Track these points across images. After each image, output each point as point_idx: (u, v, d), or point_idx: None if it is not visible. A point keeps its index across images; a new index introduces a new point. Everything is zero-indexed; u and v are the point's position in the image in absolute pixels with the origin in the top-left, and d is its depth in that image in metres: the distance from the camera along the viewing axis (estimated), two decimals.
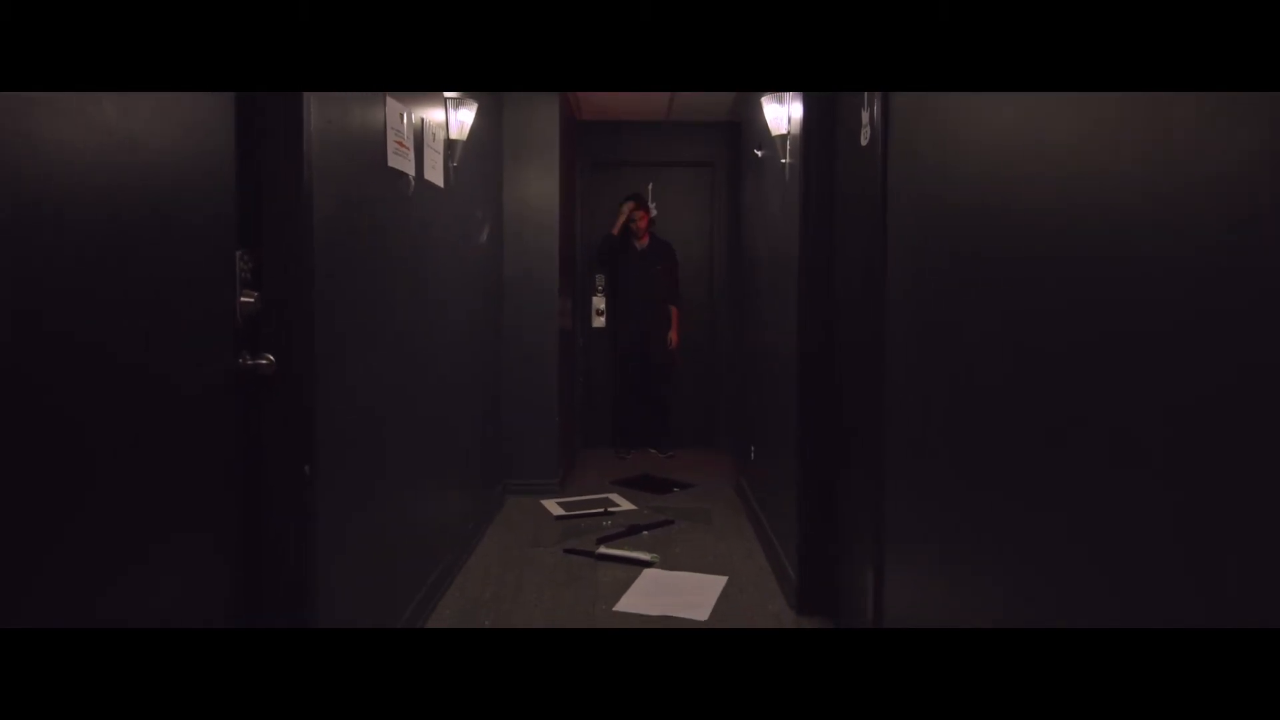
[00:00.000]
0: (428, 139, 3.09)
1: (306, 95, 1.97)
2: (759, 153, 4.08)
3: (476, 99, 3.60)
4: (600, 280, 6.12)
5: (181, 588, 1.61)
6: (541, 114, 4.83)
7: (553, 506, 4.57)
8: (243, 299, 1.86)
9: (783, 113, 3.34)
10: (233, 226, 1.83)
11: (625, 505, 4.61)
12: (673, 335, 5.83)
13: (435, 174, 3.19)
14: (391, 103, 2.66)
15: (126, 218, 1.43)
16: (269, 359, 1.90)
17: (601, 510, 4.47)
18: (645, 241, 5.79)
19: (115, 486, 1.39)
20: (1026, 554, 1.33)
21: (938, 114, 1.76)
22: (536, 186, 4.83)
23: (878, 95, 2.21)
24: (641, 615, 3.09)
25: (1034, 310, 1.30)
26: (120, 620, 1.40)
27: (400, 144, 2.76)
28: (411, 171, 2.88)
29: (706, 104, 5.64)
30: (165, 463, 1.55)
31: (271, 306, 1.93)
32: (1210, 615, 0.90)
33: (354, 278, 2.31)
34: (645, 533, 4.08)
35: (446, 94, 3.39)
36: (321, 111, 2.07)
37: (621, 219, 5.76)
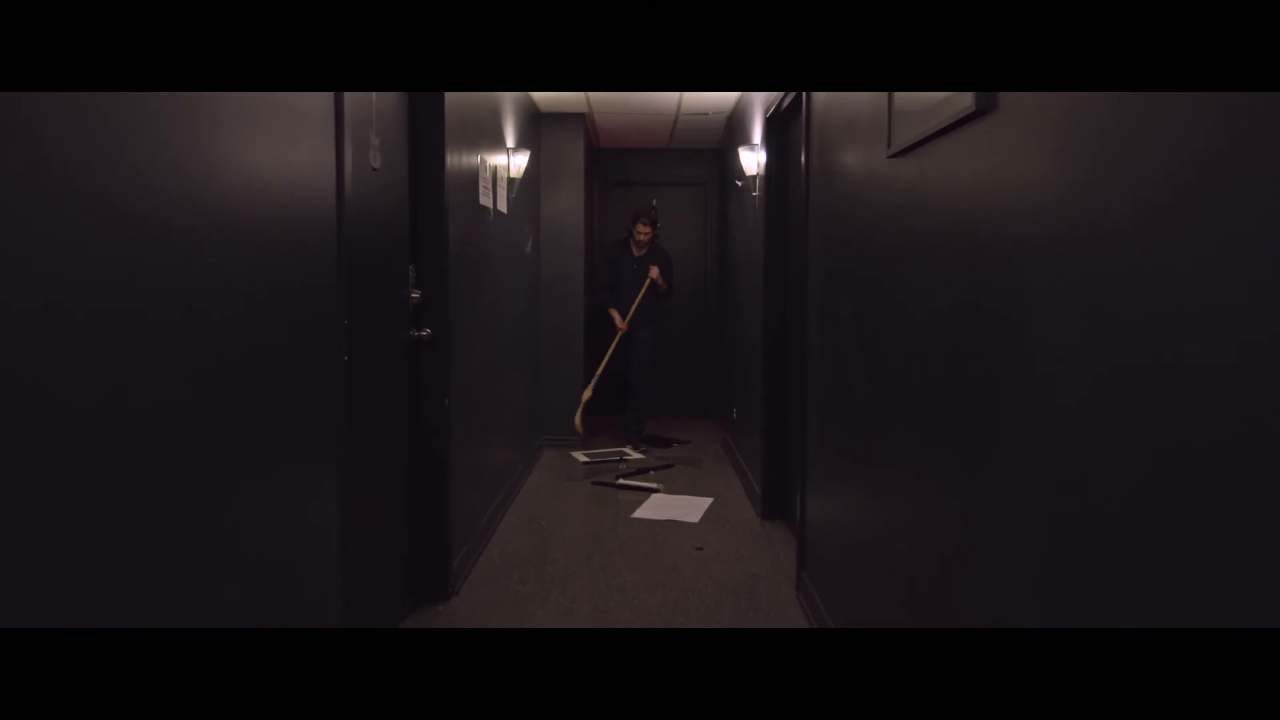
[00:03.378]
0: (498, 179, 4.15)
1: (449, 158, 3.03)
2: (739, 183, 5.14)
3: (528, 146, 4.65)
4: None
5: (392, 455, 2.68)
6: (569, 146, 5.88)
7: (579, 456, 5.63)
8: (412, 294, 2.92)
9: (753, 158, 4.40)
10: (408, 249, 2.89)
11: (635, 455, 5.67)
12: (659, 279, 6.03)
13: (502, 204, 4.24)
14: (482, 156, 3.72)
15: (378, 244, 2.49)
16: (427, 332, 2.96)
17: (618, 458, 5.54)
18: (642, 252, 6.02)
19: (373, 400, 2.46)
20: (871, 487, 2.38)
21: (832, 167, 2.80)
22: (566, 205, 5.89)
23: (803, 147, 3.25)
24: (651, 520, 4.16)
25: (870, 303, 2.35)
26: (378, 463, 2.47)
27: (485, 186, 3.81)
28: (491, 205, 3.94)
29: (700, 135, 6.68)
30: (387, 390, 2.61)
31: (426, 300, 3.00)
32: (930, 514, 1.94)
33: (462, 282, 3.37)
34: (652, 472, 5.16)
35: (509, 143, 4.44)
36: (450, 167, 3.12)
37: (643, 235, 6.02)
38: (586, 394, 5.79)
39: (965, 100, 1.46)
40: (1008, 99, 1.37)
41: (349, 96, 2.11)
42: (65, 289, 1.05)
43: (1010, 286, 1.36)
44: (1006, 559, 1.36)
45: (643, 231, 5.95)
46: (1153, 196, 0.98)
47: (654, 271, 5.95)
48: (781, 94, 3.71)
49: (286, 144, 1.72)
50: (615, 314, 6.00)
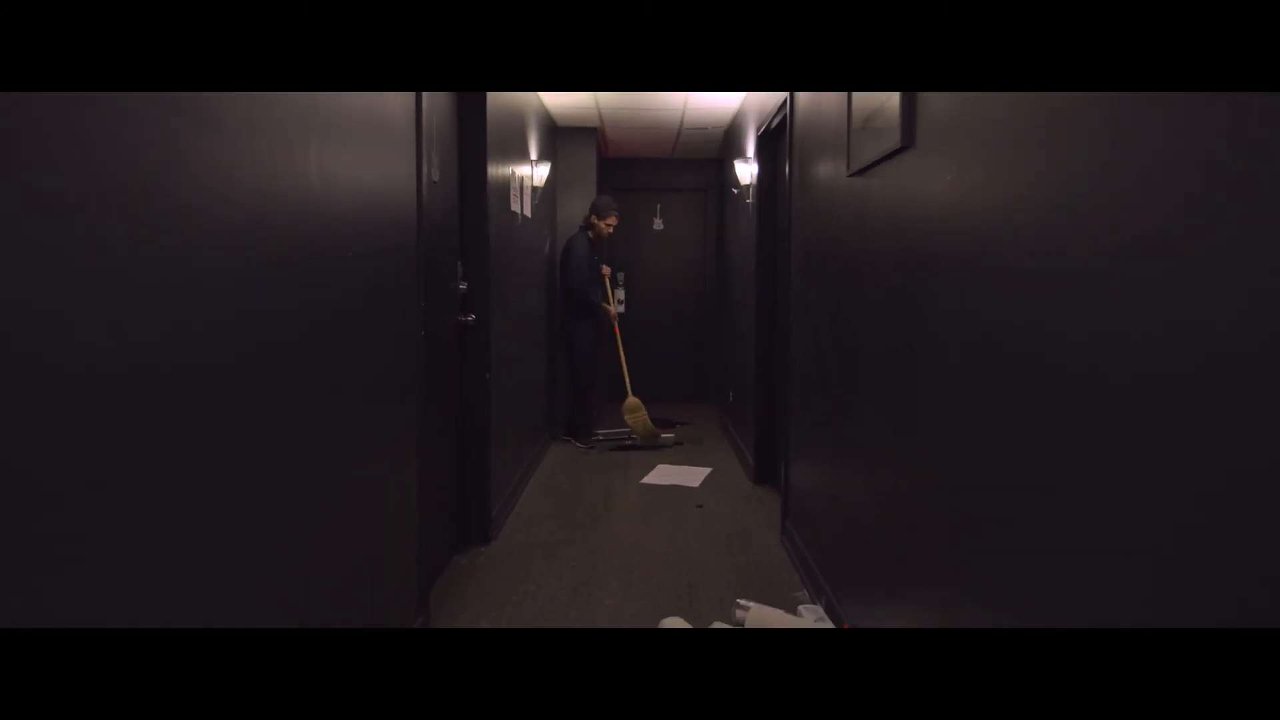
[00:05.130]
0: (524, 188, 4.64)
1: (489, 170, 3.52)
2: (734, 191, 5.63)
3: (548, 158, 5.14)
4: (621, 276, 7.67)
5: (445, 419, 3.17)
6: (583, 156, 6.38)
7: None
8: (460, 285, 3.42)
9: (747, 170, 4.90)
10: (457, 249, 3.39)
11: None
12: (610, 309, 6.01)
13: (527, 209, 4.74)
14: (512, 168, 4.21)
15: (437, 244, 2.99)
16: (472, 317, 3.46)
17: (627, 435, 6.04)
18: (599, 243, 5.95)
19: (435, 372, 2.95)
20: (836, 453, 2.87)
21: (809, 181, 3.29)
22: (579, 209, 6.38)
23: (787, 163, 3.74)
24: (657, 485, 4.66)
25: (835, 300, 2.83)
26: (435, 423, 2.96)
27: (514, 194, 4.31)
28: (519, 210, 4.43)
29: (700, 146, 7.17)
30: (442, 362, 3.11)
31: (471, 289, 3.49)
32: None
33: (497, 276, 3.86)
34: (662, 436, 5.66)
35: (532, 156, 4.93)
36: (489, 178, 3.61)
37: (612, 222, 5.87)
38: (635, 400, 5.65)
39: (894, 139, 1.96)
40: (924, 139, 1.86)
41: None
42: (265, 272, 1.55)
43: (919, 280, 1.85)
44: (921, 509, 1.86)
45: (614, 224, 5.83)
46: (1014, 209, 1.48)
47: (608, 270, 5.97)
48: (772, 113, 4.20)
49: (386, 163, 2.22)
50: (607, 306, 5.95)
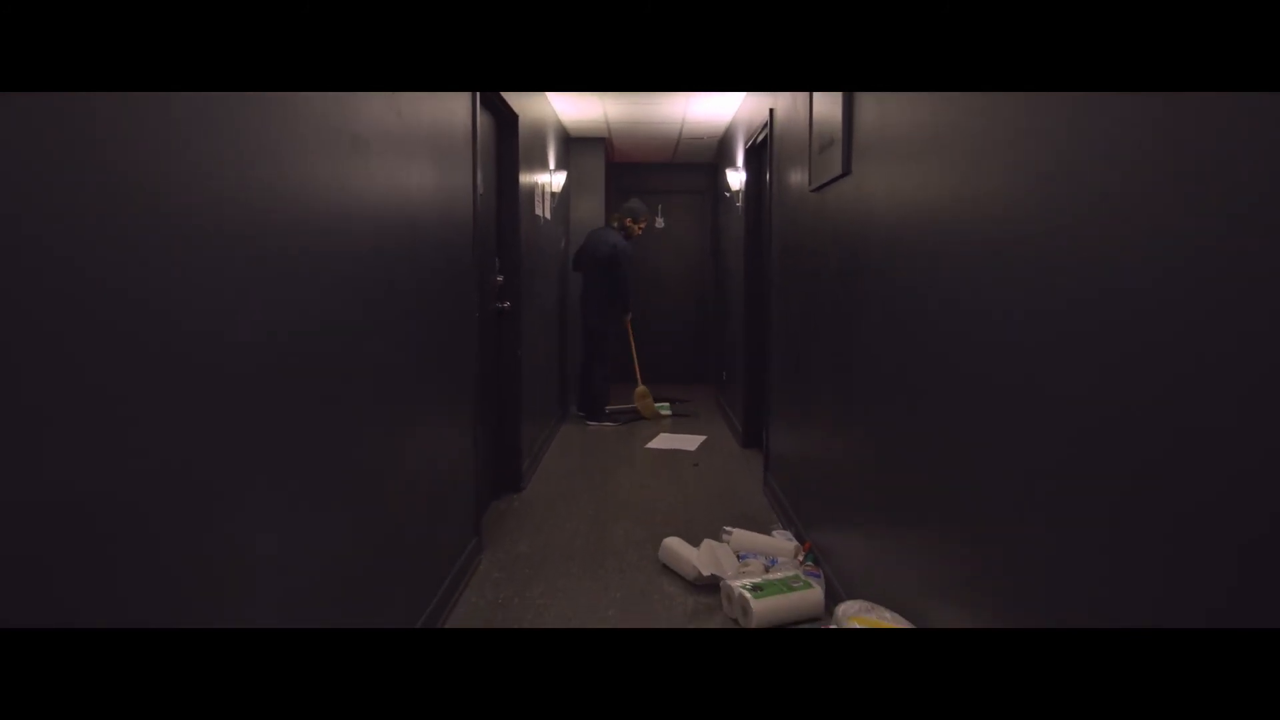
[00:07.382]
0: (545, 193, 5.27)
1: (520, 179, 4.15)
2: (727, 195, 6.26)
3: (564, 166, 5.76)
4: None
5: (486, 388, 3.81)
6: (592, 163, 7.00)
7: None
8: (498, 278, 4.05)
9: (737, 177, 5.52)
10: (494, 247, 4.02)
11: None
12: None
13: (547, 212, 5.37)
14: (536, 177, 4.84)
15: (481, 243, 3.62)
16: (508, 304, 4.10)
17: (632, 412, 6.68)
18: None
19: (480, 349, 3.59)
20: (803, 419, 3.49)
21: (785, 192, 3.91)
22: (589, 210, 7.01)
23: (768, 174, 4.36)
24: (660, 449, 5.30)
25: (803, 294, 3.46)
26: (484, 392, 3.60)
27: (538, 199, 4.94)
28: (541, 213, 5.06)
29: (698, 152, 7.79)
30: (485, 341, 3.74)
31: (507, 280, 4.13)
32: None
33: (526, 270, 4.49)
34: (668, 404, 6.29)
35: (551, 165, 5.55)
36: (520, 185, 4.23)
37: (644, 225, 6.48)
38: (644, 389, 6.46)
39: (838, 167, 2.58)
40: (856, 168, 2.48)
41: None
42: (367, 270, 2.18)
43: (852, 281, 2.48)
44: (862, 464, 2.49)
45: (644, 226, 6.41)
46: (923, 221, 2.11)
47: None
48: (758, 130, 4.81)
49: (454, 178, 2.85)
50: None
